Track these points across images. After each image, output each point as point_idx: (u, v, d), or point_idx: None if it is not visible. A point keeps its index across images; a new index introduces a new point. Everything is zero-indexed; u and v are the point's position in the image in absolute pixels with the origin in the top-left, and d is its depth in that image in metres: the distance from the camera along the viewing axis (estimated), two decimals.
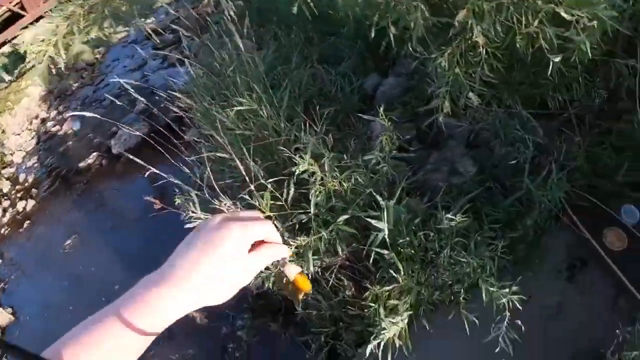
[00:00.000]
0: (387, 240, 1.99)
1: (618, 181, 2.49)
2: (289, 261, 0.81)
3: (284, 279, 0.81)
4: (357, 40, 3.40)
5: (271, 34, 3.90)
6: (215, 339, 3.09)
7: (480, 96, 2.22)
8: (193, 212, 2.21)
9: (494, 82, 2.15)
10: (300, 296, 0.82)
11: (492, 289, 1.89)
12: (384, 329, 2.08)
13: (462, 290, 2.02)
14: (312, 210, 2.16)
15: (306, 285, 0.80)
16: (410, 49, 2.16)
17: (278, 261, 0.77)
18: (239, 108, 2.66)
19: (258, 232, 0.70)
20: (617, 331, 2.01)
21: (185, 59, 3.31)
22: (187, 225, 2.28)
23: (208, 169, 2.40)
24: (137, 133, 3.04)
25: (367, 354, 2.18)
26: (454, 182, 2.55)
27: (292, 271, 0.79)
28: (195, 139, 3.45)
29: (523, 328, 1.92)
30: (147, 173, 2.59)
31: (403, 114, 2.87)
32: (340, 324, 2.55)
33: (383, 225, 2.00)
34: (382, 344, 2.07)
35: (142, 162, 2.34)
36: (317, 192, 2.16)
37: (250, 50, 3.46)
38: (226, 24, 2.70)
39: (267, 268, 0.72)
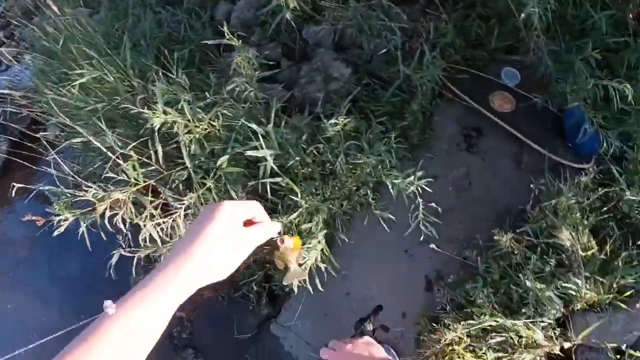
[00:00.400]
0: (274, 166, 1.82)
1: (491, 48, 2.48)
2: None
3: (277, 252, 0.84)
4: None
5: None
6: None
7: None
8: (57, 214, 1.88)
9: None
10: (295, 257, 0.86)
11: (396, 181, 1.79)
12: (304, 257, 1.94)
13: (369, 192, 1.91)
14: (188, 162, 1.92)
15: (298, 243, 0.86)
16: None
17: (274, 239, 0.81)
18: (80, 80, 2.30)
19: (244, 211, 0.72)
20: (532, 185, 2.01)
21: (23, 52, 2.87)
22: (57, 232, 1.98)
23: (58, 158, 2.08)
24: None
25: (295, 289, 2.06)
26: (331, 88, 2.42)
27: (288, 242, 0.83)
28: (56, 134, 3.03)
29: (439, 209, 1.86)
30: (13, 191, 2.28)
31: (263, 34, 2.65)
32: (267, 265, 2.40)
33: (265, 152, 1.82)
34: (306, 271, 1.94)
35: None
36: (187, 141, 1.91)
37: (83, 17, 3.04)
38: None
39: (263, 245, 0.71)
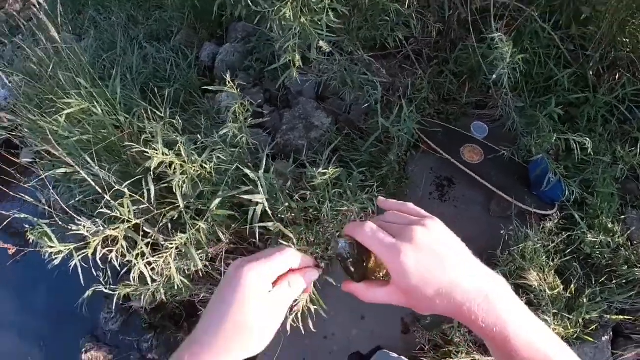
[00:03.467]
0: (269, 211, 1.88)
1: (463, 103, 2.68)
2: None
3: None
4: (184, 10, 3.19)
5: (90, 21, 3.48)
6: None
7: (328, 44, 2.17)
8: (50, 246, 1.85)
9: (341, 27, 2.10)
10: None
11: None
12: (295, 300, 1.97)
13: None
14: (180, 203, 1.95)
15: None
16: (250, 3, 2.01)
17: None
18: (68, 111, 2.30)
19: (276, 265, 0.61)
20: (502, 232, 2.16)
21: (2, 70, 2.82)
22: (53, 264, 1.94)
23: (51, 190, 2.06)
24: None
25: (288, 329, 2.06)
26: (312, 136, 2.53)
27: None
28: (30, 159, 2.97)
29: None
30: None
31: (247, 79, 2.75)
32: None
33: (261, 197, 1.88)
34: (299, 314, 1.96)
35: None
36: (181, 183, 1.95)
37: (69, 42, 3.04)
38: (38, 18, 2.31)
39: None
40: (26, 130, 2.71)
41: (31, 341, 3.11)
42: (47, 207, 2.45)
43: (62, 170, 2.23)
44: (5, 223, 2.46)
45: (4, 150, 2.73)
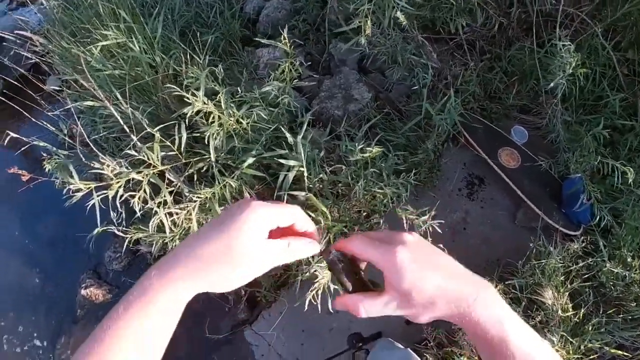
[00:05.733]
0: (306, 179, 1.80)
1: (508, 104, 2.59)
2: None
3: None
4: None
5: None
6: None
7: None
8: (69, 181, 1.76)
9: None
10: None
11: (411, 216, 1.82)
12: (317, 275, 1.91)
13: (381, 222, 1.93)
14: (212, 156, 1.87)
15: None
16: None
17: (325, 257, 0.64)
18: (104, 43, 2.20)
19: (282, 213, 0.59)
20: (529, 243, 2.11)
21: None
22: (68, 197, 1.87)
23: (78, 123, 1.97)
24: None
25: (306, 303, 2.00)
26: (350, 109, 2.43)
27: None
28: (57, 87, 2.87)
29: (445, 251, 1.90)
30: (7, 139, 2.12)
31: (290, 38, 2.64)
32: None
33: (295, 163, 1.80)
34: (319, 292, 1.91)
35: None
36: (215, 134, 1.87)
37: None
38: None
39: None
40: (57, 57, 2.61)
41: (32, 268, 3.08)
42: (67, 138, 2.38)
43: (90, 102, 2.14)
44: (23, 149, 2.39)
45: (32, 74, 2.64)
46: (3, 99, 2.38)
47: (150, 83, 2.27)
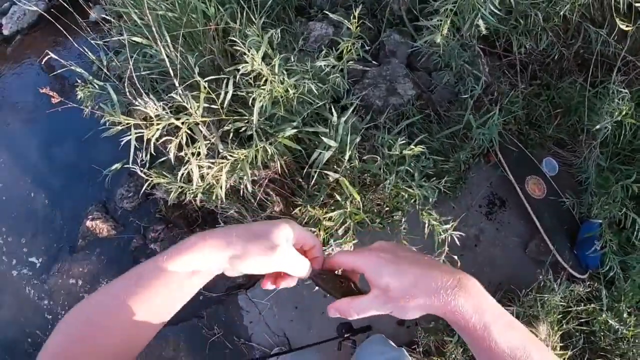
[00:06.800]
0: (338, 161, 1.79)
1: (546, 134, 2.57)
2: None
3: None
4: None
5: None
6: (125, 253, 2.69)
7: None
8: (109, 113, 1.72)
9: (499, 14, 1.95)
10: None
11: (434, 222, 1.82)
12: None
13: (403, 220, 1.93)
14: (255, 119, 1.85)
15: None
16: None
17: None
18: None
19: (311, 237, 0.70)
20: (540, 277, 2.11)
21: None
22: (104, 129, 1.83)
23: (129, 58, 1.93)
24: (34, 8, 2.39)
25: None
26: (391, 102, 2.41)
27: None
28: (103, 16, 2.82)
29: (459, 262, 1.91)
30: (44, 59, 2.13)
31: (346, 17, 2.60)
32: None
33: (334, 143, 1.79)
34: None
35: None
36: (262, 98, 1.84)
37: None
38: None
39: None
40: None
41: (43, 188, 3.06)
42: (105, 70, 2.35)
43: (138, 39, 2.11)
44: (58, 71, 2.36)
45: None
46: (48, 17, 2.34)
47: (200, 32, 2.23)
